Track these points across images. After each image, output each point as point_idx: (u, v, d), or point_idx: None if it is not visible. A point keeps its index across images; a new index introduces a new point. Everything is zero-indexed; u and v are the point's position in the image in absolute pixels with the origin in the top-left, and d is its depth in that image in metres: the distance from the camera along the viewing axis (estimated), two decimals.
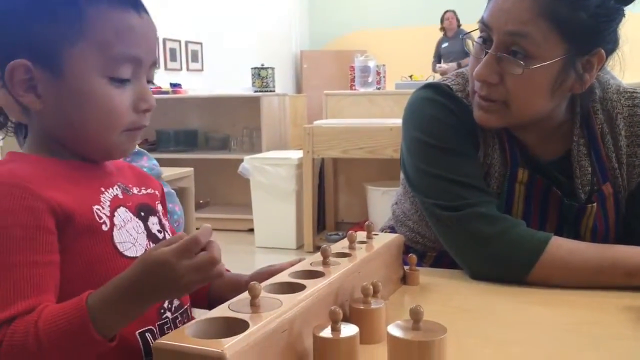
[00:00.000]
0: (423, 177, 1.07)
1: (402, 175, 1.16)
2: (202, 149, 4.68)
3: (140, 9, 0.73)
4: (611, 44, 1.00)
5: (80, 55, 0.69)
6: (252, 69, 4.86)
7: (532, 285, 0.95)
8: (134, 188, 0.78)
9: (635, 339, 0.76)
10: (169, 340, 0.52)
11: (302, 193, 3.74)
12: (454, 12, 6.45)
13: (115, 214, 0.72)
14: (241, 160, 3.92)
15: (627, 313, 0.83)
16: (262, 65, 4.85)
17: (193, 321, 0.58)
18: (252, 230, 4.02)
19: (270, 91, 4.76)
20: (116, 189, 0.75)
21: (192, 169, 2.66)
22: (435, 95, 1.09)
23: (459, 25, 6.37)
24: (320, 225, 4.08)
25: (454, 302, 0.91)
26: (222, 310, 0.60)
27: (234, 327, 0.56)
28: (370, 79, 4.15)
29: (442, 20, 6.53)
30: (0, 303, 0.59)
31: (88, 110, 0.70)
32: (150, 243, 0.74)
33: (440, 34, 6.57)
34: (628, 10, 0.99)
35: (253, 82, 4.82)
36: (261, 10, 5.95)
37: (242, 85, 4.96)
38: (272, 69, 4.83)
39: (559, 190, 1.06)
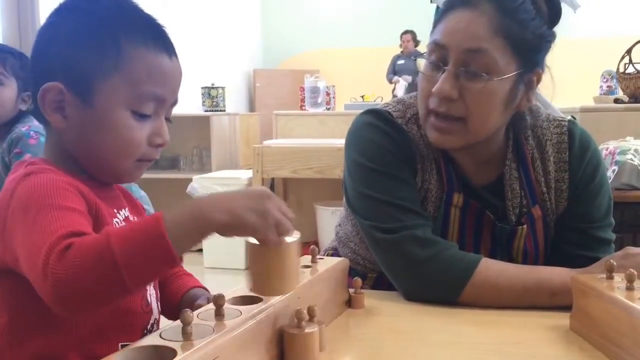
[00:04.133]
0: (362, 200, 1.10)
1: (344, 198, 1.19)
2: (151, 168, 4.49)
3: (172, 53, 0.79)
4: (543, 68, 1.06)
5: (111, 88, 0.74)
6: (202, 88, 4.84)
7: (464, 306, 0.98)
8: (131, 215, 0.85)
9: (555, 357, 0.79)
10: None
11: None
12: (412, 33, 6.51)
13: None
14: (190, 180, 3.88)
15: (550, 332, 0.87)
16: (213, 84, 4.84)
17: (123, 350, 0.58)
18: (200, 250, 3.97)
19: (221, 110, 4.75)
20: (127, 210, 0.83)
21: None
22: (376, 121, 1.12)
23: (416, 46, 6.47)
24: None
25: (391, 324, 0.93)
26: (153, 339, 0.60)
27: (162, 355, 0.56)
28: (319, 100, 4.20)
29: (401, 38, 6.64)
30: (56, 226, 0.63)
31: (108, 138, 0.76)
32: None
33: (398, 51, 6.67)
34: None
35: (203, 102, 4.81)
36: (214, 29, 5.94)
37: (192, 105, 4.93)
38: (223, 88, 4.83)
39: (492, 214, 1.10)
